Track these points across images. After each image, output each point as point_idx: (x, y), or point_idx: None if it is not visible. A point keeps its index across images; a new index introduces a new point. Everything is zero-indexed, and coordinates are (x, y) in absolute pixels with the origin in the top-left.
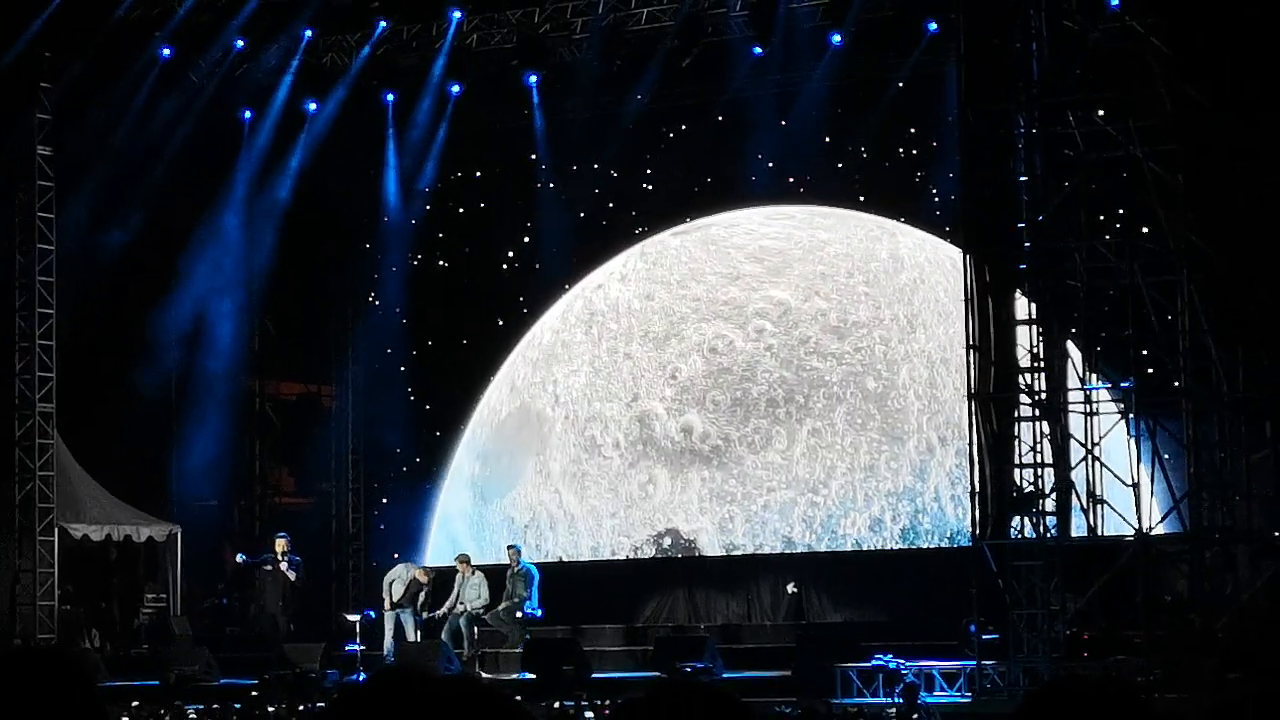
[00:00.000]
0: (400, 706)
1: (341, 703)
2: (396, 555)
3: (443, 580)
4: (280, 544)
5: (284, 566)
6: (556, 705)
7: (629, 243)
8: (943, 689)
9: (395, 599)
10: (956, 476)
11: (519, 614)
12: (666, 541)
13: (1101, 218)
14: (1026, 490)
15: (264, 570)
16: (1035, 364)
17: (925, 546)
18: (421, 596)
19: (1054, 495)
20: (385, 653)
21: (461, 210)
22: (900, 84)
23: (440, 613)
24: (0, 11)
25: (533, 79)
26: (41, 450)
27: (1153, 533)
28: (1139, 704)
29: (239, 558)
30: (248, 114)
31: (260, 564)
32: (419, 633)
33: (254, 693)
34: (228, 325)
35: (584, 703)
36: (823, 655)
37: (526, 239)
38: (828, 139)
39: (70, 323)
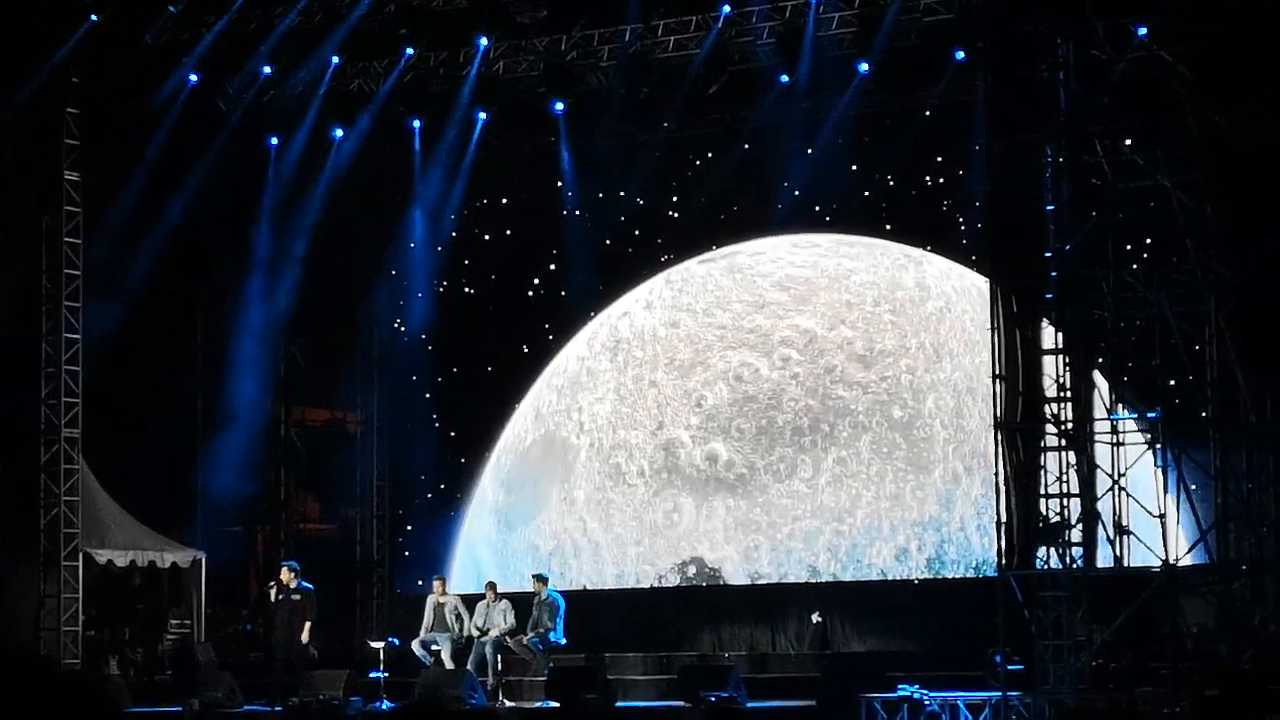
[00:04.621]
0: None
1: None
2: (420, 582)
3: (466, 604)
4: (285, 574)
5: (295, 597)
6: None
7: (655, 270)
8: (968, 719)
9: (428, 625)
10: (982, 506)
11: (543, 643)
12: (691, 570)
13: (1129, 247)
14: (1053, 520)
15: (279, 600)
16: (1062, 394)
17: (951, 576)
18: (449, 616)
19: (1080, 526)
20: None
21: (487, 237)
22: (927, 113)
23: (461, 635)
24: (28, 36)
25: (559, 106)
26: (67, 475)
27: (1179, 564)
28: None
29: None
30: (274, 140)
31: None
32: (451, 658)
33: None
34: (253, 351)
35: None
36: (847, 685)
37: (552, 266)
38: (854, 167)
39: (96, 348)
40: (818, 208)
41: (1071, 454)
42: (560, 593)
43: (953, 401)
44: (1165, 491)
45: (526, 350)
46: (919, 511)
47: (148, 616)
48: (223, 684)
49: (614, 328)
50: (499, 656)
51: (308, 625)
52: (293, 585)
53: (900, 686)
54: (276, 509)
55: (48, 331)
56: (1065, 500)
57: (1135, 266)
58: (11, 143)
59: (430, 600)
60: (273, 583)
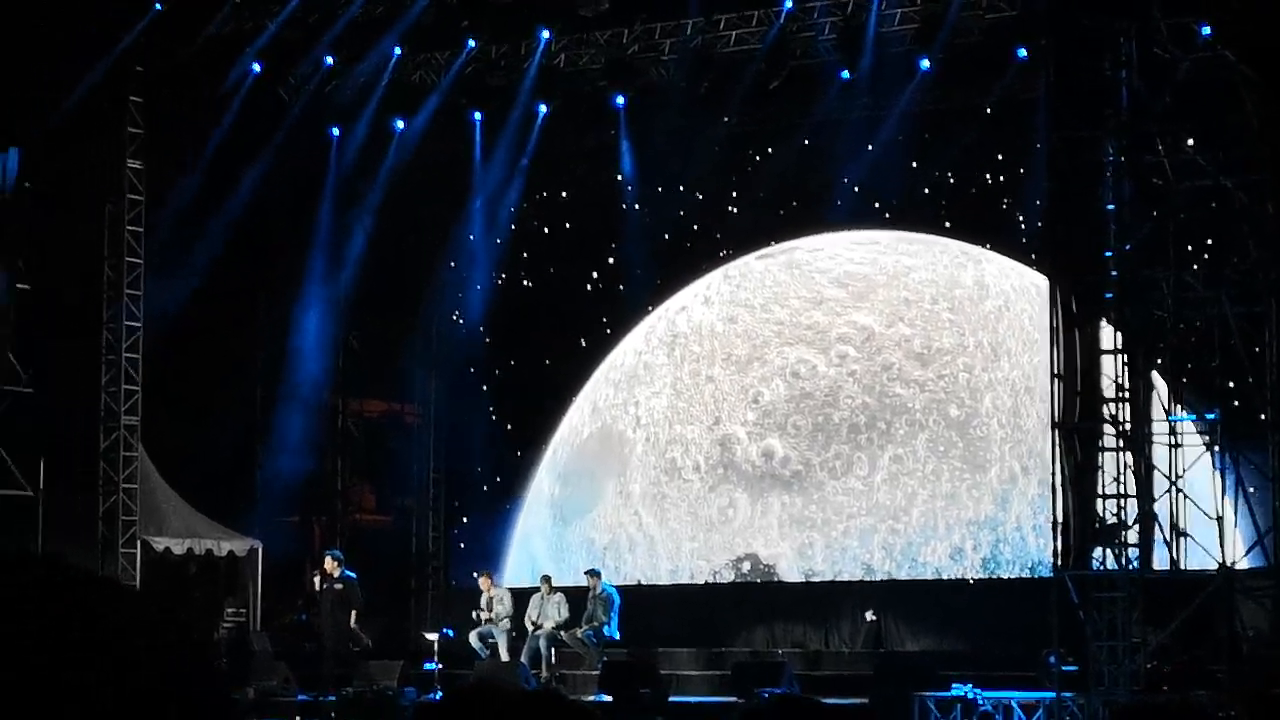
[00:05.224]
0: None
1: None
2: (475, 574)
3: (516, 598)
4: (330, 564)
5: (339, 586)
6: None
7: (713, 265)
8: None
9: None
10: (1039, 506)
11: (597, 636)
12: (746, 566)
13: (1190, 247)
14: (1109, 521)
15: (323, 589)
16: (1120, 394)
17: (1006, 576)
18: (498, 607)
19: (1137, 527)
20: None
21: (547, 230)
22: (988, 110)
23: (508, 626)
24: (93, 25)
25: (620, 100)
26: (126, 463)
27: (1236, 567)
28: None
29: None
30: (336, 131)
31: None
32: (507, 649)
33: (332, 713)
34: (313, 342)
35: None
36: (901, 684)
37: (611, 259)
38: (914, 164)
39: (158, 337)
40: (877, 204)
41: (1129, 455)
42: (615, 587)
43: (1010, 401)
44: (1223, 494)
45: (584, 344)
46: (975, 511)
47: (203, 605)
48: (278, 673)
49: (671, 322)
50: (553, 650)
51: (353, 614)
52: (336, 574)
53: (954, 686)
54: (333, 499)
55: (109, 319)
56: (1122, 501)
57: (1195, 267)
58: (76, 130)
59: (483, 597)
60: (317, 572)
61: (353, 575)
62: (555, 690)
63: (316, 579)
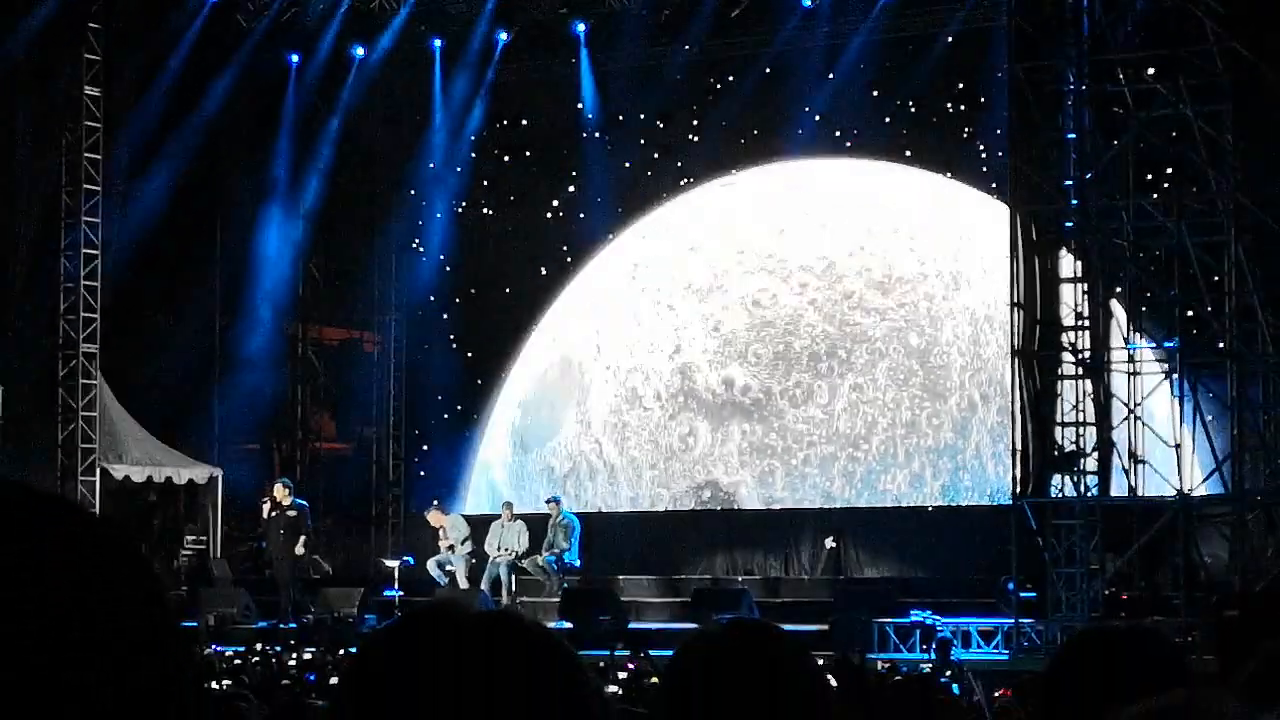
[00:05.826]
0: (436, 644)
1: (372, 643)
2: (435, 500)
3: (476, 526)
4: (279, 491)
5: (290, 513)
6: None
7: (674, 194)
8: (980, 646)
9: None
10: (998, 434)
11: (558, 562)
12: (706, 494)
13: (1150, 176)
14: (1068, 449)
15: (272, 516)
16: (1079, 322)
17: (965, 504)
18: (453, 535)
19: (1095, 454)
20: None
21: (507, 159)
22: (950, 38)
23: (468, 553)
24: None
25: (580, 28)
26: (85, 390)
27: (1194, 494)
28: (1176, 655)
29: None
30: (295, 58)
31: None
32: (466, 577)
33: (292, 640)
34: (272, 270)
35: (619, 652)
36: (860, 610)
37: (571, 188)
38: (876, 93)
39: (116, 264)
40: (838, 133)
41: (1088, 383)
42: (575, 514)
43: (970, 329)
44: (1181, 421)
45: (544, 272)
46: (934, 438)
47: (163, 533)
48: (237, 600)
49: (632, 251)
50: (513, 576)
51: (301, 539)
52: (287, 502)
53: (913, 612)
54: (293, 427)
55: (66, 246)
56: (1081, 429)
57: (1155, 196)
58: (34, 57)
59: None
60: (265, 499)
61: (304, 503)
62: (515, 610)
63: (265, 506)
